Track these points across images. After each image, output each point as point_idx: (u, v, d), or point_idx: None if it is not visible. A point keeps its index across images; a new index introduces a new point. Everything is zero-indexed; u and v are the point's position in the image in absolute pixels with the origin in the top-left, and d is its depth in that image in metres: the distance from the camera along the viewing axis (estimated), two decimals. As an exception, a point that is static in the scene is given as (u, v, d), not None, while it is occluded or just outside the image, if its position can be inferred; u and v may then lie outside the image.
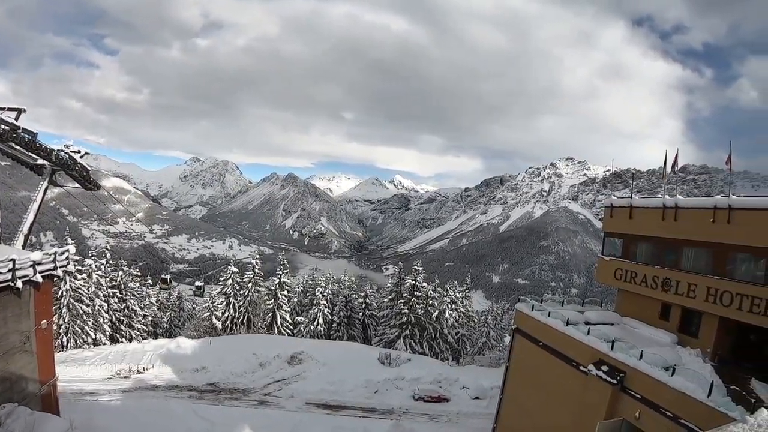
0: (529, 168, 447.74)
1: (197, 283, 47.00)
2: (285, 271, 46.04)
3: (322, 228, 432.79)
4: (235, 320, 44.24)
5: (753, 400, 10.64)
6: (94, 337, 38.15)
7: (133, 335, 42.09)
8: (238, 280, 45.24)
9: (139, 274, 47.28)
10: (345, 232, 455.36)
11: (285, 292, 45.76)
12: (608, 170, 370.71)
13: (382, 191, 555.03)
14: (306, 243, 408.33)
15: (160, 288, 45.36)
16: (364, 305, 48.24)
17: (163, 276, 43.98)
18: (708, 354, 15.25)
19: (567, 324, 17.55)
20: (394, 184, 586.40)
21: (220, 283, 45.33)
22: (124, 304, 42.34)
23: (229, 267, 45.78)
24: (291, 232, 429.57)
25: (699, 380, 11.68)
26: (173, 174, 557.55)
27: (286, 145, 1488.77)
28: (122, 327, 41.78)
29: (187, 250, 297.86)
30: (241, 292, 44.99)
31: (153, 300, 48.41)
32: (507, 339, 25.46)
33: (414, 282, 44.75)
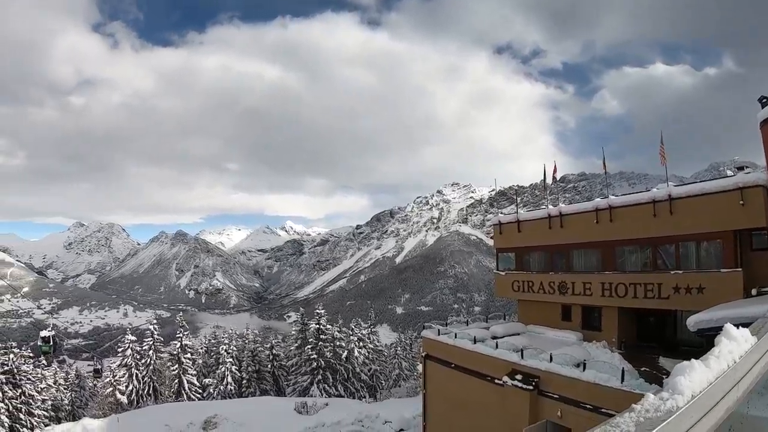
0: (417, 198, 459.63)
1: (95, 367, 41.64)
2: (185, 333, 44.15)
3: (218, 283, 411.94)
4: (140, 392, 41.32)
5: (664, 376, 11.35)
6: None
7: (34, 423, 36.17)
8: (138, 349, 42.34)
9: (31, 355, 40.50)
10: (242, 284, 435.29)
11: (188, 355, 43.65)
12: (493, 190, 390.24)
13: (275, 239, 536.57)
14: (204, 301, 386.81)
15: (41, 351, 37.99)
16: (271, 357, 47.69)
17: (43, 334, 34.82)
18: (614, 344, 16.36)
19: (475, 342, 17.66)
20: (286, 230, 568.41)
21: (119, 354, 42.12)
22: (20, 390, 36.46)
23: (127, 336, 42.62)
24: (187, 292, 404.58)
25: (610, 369, 12.24)
26: (57, 242, 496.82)
27: (172, 201, 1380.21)
28: (21, 416, 35.51)
29: (80, 323, 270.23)
30: (143, 361, 42.18)
31: (50, 382, 43.24)
32: (420, 367, 25.40)
33: (318, 326, 44.28)
